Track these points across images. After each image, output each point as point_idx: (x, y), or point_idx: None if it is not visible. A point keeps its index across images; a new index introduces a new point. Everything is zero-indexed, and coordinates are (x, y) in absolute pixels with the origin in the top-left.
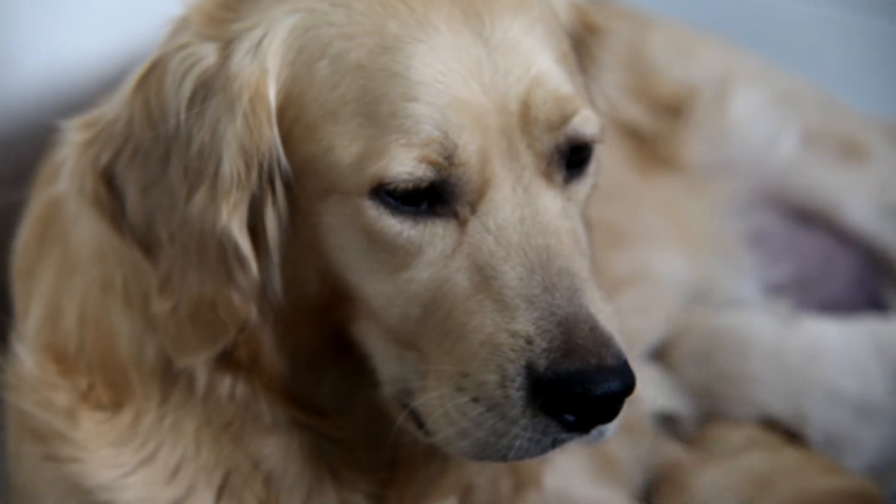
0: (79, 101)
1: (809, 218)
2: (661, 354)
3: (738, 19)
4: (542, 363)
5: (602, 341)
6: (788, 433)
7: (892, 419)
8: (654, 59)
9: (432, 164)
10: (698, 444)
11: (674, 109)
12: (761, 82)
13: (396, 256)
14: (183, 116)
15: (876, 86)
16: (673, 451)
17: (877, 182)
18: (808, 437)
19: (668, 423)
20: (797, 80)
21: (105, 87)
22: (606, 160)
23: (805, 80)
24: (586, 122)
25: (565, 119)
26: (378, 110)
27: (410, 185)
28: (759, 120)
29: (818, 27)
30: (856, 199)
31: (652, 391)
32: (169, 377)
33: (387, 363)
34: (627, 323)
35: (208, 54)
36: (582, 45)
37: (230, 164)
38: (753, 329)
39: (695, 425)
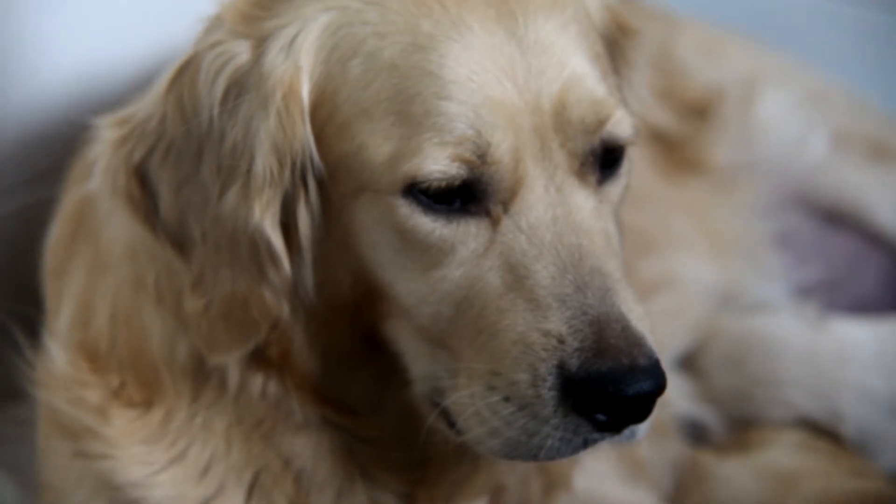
0: (111, 99)
1: (838, 219)
2: (688, 361)
3: (766, 18)
4: (573, 363)
5: (634, 341)
6: (828, 435)
7: None
8: (681, 60)
9: (465, 162)
10: (742, 447)
11: (701, 111)
12: (789, 83)
13: (429, 255)
14: (216, 114)
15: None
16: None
17: None
18: (845, 436)
19: (693, 431)
20: (825, 81)
21: (137, 84)
22: (634, 167)
23: (833, 80)
24: (620, 124)
25: (601, 123)
26: (411, 109)
27: (444, 184)
28: (788, 121)
29: (845, 26)
30: (885, 200)
31: (678, 399)
32: (200, 376)
33: (418, 361)
34: (656, 328)
35: (241, 52)
36: (615, 45)
37: (263, 161)
38: (783, 332)
39: (721, 433)
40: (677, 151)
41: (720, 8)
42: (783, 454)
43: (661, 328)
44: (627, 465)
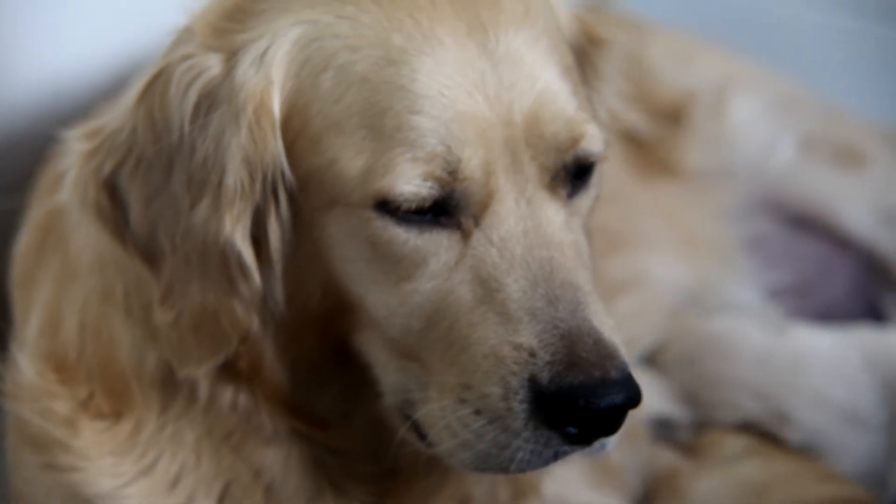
0: (77, 109)
1: (807, 224)
2: (652, 359)
3: (739, 26)
4: (545, 376)
5: (606, 354)
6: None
7: (880, 430)
8: (653, 66)
9: (437, 179)
10: (694, 450)
11: (672, 116)
12: (760, 88)
13: (400, 267)
14: (187, 127)
15: (877, 92)
16: (669, 457)
17: (875, 188)
18: (788, 441)
19: (663, 428)
20: (796, 86)
21: (104, 95)
22: (606, 167)
23: (804, 86)
24: (592, 141)
25: (574, 142)
26: (383, 123)
27: (414, 206)
28: (758, 126)
29: (819, 34)
30: (854, 204)
31: (647, 397)
32: (169, 387)
33: (388, 374)
34: (624, 328)
35: (213, 65)
36: (585, 56)
37: (234, 175)
38: (742, 335)
39: (690, 431)
40: (649, 154)
41: (704, 16)
42: (757, 466)
43: (629, 327)
44: (597, 470)
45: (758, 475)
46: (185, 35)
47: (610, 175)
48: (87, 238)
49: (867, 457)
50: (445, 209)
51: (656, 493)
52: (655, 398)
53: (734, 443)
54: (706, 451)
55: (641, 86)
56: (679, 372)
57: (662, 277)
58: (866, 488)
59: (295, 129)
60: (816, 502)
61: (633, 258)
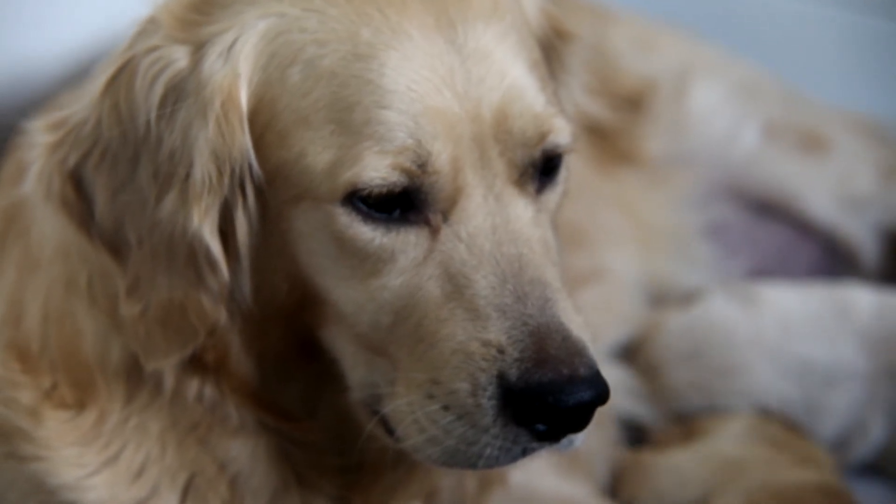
0: (39, 100)
1: (769, 210)
2: (627, 356)
3: (725, 17)
4: (513, 373)
5: (574, 351)
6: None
7: (859, 381)
8: (614, 53)
9: (405, 171)
10: (690, 436)
11: (634, 103)
12: (722, 74)
13: (368, 263)
14: (153, 119)
15: (849, 81)
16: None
17: (837, 173)
18: (801, 424)
19: (629, 424)
20: (758, 72)
21: (66, 85)
22: (570, 160)
23: (767, 71)
24: (560, 135)
25: (542, 137)
26: (351, 117)
27: (384, 191)
28: (720, 112)
29: (793, 22)
30: (816, 190)
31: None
32: (134, 378)
33: (355, 369)
34: (588, 322)
35: (179, 57)
36: (552, 50)
37: (202, 168)
38: (726, 318)
39: (658, 425)
40: (610, 143)
41: (669, 5)
42: (729, 442)
43: (592, 322)
44: (564, 457)
45: (731, 455)
46: (150, 26)
47: (572, 168)
48: (51, 228)
49: (847, 411)
50: (413, 204)
51: (623, 472)
52: (622, 394)
53: (735, 426)
54: (701, 435)
55: (602, 74)
56: (681, 368)
57: (623, 270)
58: (844, 442)
59: (263, 122)
60: (788, 487)
61: (594, 252)
